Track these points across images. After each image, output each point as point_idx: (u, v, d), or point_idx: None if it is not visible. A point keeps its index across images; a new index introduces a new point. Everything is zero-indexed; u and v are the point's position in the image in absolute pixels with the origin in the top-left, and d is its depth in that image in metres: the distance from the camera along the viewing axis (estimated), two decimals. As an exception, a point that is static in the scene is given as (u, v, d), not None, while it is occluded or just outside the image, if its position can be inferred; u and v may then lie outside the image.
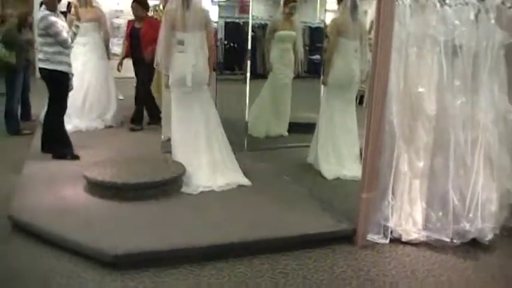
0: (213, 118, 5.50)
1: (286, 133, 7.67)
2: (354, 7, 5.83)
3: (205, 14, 5.46)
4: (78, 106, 7.65)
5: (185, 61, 5.22)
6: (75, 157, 6.00)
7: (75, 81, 7.04)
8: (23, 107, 8.23)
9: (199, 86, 5.35)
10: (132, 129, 7.71)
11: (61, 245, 3.91)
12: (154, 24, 7.37)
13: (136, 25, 7.71)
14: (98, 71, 7.89)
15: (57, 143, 6.03)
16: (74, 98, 7.24)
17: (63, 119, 6.09)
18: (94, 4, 8.02)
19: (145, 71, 7.56)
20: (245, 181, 5.33)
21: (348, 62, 5.85)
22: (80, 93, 7.73)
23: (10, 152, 6.74)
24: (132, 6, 7.76)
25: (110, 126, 7.85)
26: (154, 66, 5.64)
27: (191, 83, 5.23)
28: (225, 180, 5.23)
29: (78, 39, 7.20)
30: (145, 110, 7.96)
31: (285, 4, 7.39)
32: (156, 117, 7.73)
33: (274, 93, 7.63)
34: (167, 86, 5.40)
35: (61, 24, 5.79)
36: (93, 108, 7.83)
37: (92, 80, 7.85)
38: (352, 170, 5.69)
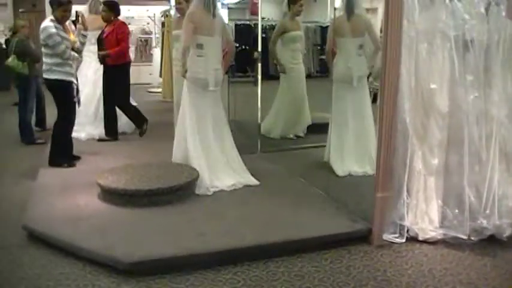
0: (223, 117, 5.60)
1: (302, 134, 7.67)
2: (349, 5, 5.87)
3: (222, 19, 5.60)
4: (91, 114, 7.70)
5: (207, 65, 5.28)
6: (71, 165, 6.04)
7: (85, 90, 7.11)
8: (38, 115, 8.31)
9: (216, 88, 5.44)
10: (140, 134, 7.61)
11: (76, 253, 3.92)
12: (118, 28, 7.32)
13: (105, 29, 7.44)
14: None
15: (57, 151, 6.04)
16: (86, 106, 7.29)
17: (68, 128, 6.11)
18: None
19: (111, 79, 7.39)
20: (253, 181, 5.38)
21: (347, 60, 5.87)
22: (93, 100, 7.80)
23: (25, 160, 6.80)
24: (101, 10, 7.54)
25: (124, 133, 7.85)
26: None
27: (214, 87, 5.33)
28: (232, 180, 5.28)
29: (89, 47, 7.28)
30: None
31: (294, 3, 7.38)
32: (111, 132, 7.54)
33: (291, 94, 7.62)
34: (185, 76, 5.40)
35: (61, 35, 5.76)
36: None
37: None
38: (363, 165, 5.78)
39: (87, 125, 7.57)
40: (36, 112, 8.27)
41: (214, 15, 5.30)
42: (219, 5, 7.61)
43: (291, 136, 7.57)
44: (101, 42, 7.37)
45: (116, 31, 7.26)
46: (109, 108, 7.46)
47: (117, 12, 7.47)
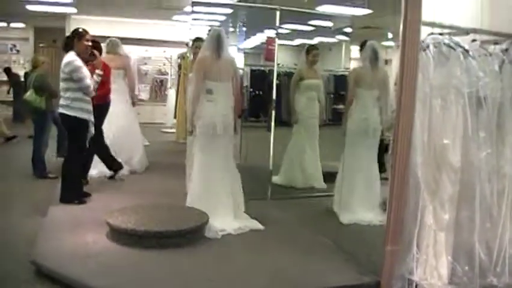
0: (232, 164, 5.62)
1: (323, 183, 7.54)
2: (373, 56, 5.91)
3: (233, 63, 5.63)
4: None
5: (216, 110, 5.33)
6: (82, 202, 6.04)
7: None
8: (59, 143, 8.46)
9: (226, 133, 5.46)
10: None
11: (83, 293, 3.91)
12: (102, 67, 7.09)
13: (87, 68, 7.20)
14: (123, 117, 7.97)
15: (68, 187, 6.05)
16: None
17: (78, 165, 6.14)
18: (121, 52, 8.17)
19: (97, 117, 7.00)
20: (258, 226, 5.39)
21: (363, 112, 5.92)
22: (106, 138, 7.84)
23: (36, 194, 6.81)
24: None
25: (135, 172, 7.89)
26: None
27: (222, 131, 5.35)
28: (238, 224, 5.30)
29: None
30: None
31: (308, 53, 7.49)
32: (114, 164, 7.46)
33: (302, 144, 7.60)
34: (190, 133, 5.46)
35: (85, 70, 5.85)
36: (118, 154, 7.85)
37: (118, 125, 7.89)
38: (369, 215, 5.77)
39: (98, 162, 7.61)
40: (58, 141, 8.44)
41: (220, 57, 5.35)
42: (234, 49, 7.71)
43: (302, 185, 7.54)
44: None
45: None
46: (98, 146, 7.18)
47: (100, 51, 7.19)
